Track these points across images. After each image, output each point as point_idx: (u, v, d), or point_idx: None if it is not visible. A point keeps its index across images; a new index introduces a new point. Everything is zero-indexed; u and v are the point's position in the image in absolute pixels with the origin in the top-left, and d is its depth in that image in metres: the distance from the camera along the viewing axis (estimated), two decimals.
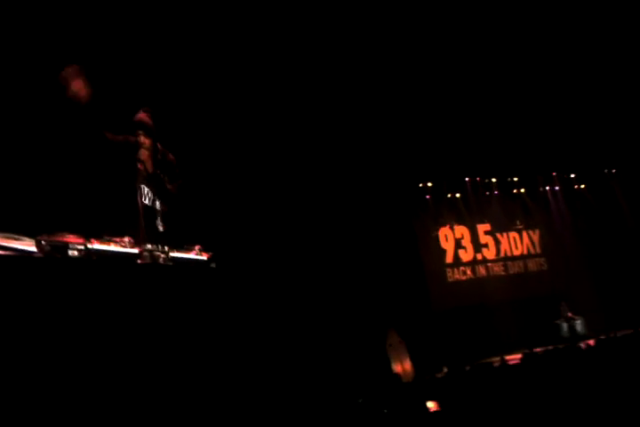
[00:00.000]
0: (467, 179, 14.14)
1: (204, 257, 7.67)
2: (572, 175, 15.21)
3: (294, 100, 10.31)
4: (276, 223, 10.42)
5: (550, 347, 11.23)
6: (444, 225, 14.06)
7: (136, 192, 7.11)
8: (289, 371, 9.03)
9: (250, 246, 9.77)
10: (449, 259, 13.97)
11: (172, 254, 7.18)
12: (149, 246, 6.86)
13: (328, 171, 11.20)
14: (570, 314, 13.43)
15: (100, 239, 6.40)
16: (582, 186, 15.34)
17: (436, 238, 13.94)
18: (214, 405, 7.62)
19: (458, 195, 14.17)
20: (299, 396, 8.17)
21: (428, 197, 13.78)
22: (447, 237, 14.08)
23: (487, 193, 14.44)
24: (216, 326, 8.52)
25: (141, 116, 7.35)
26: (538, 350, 10.57)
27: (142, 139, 7.26)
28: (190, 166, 8.35)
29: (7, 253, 5.47)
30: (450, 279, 13.82)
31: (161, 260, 7.03)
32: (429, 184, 13.73)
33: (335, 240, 11.17)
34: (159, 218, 7.26)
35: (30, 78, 6.03)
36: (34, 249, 5.78)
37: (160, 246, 7.06)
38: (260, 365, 8.77)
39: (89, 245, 6.23)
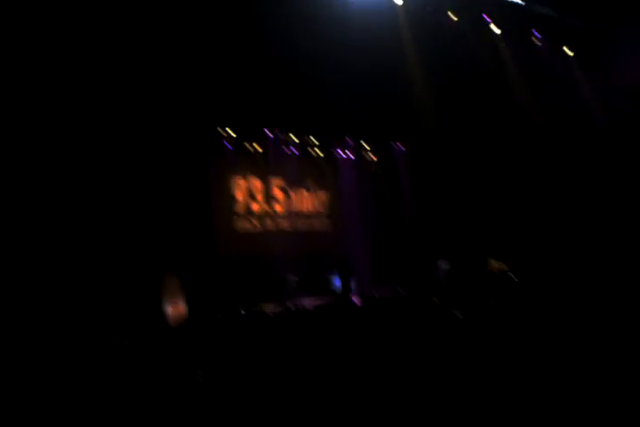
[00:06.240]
0: (265, 130, 13.97)
1: None
2: (366, 145, 15.92)
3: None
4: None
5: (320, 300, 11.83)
6: (239, 174, 13.85)
7: None
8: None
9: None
10: (239, 208, 13.84)
11: None
12: None
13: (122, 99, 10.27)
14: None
15: None
16: (374, 158, 16.17)
17: (229, 186, 13.69)
18: None
19: (256, 145, 14.02)
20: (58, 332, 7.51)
21: (225, 142, 13.39)
22: (240, 186, 13.91)
23: (285, 148, 14.49)
24: None
25: None
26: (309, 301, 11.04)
27: None
28: None
29: None
30: (238, 228, 13.72)
31: None
32: (228, 130, 13.33)
33: (122, 172, 10.37)
34: None
35: None
36: None
37: None
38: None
39: None
